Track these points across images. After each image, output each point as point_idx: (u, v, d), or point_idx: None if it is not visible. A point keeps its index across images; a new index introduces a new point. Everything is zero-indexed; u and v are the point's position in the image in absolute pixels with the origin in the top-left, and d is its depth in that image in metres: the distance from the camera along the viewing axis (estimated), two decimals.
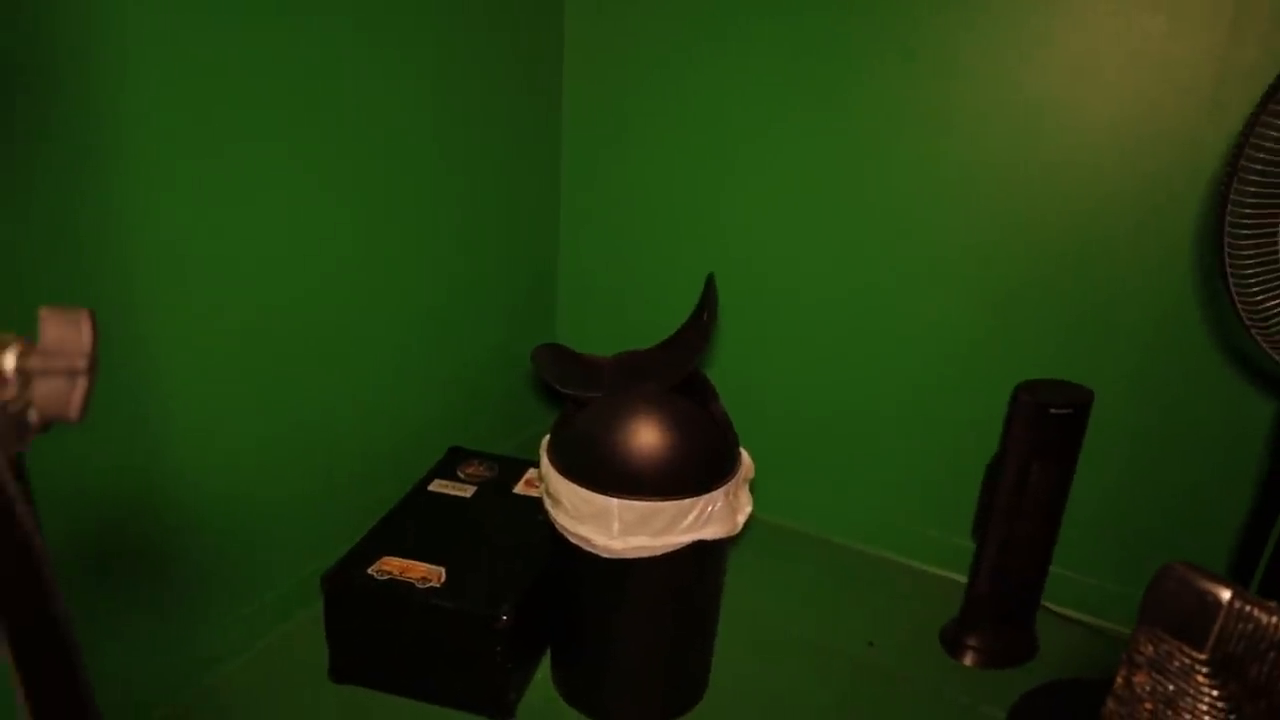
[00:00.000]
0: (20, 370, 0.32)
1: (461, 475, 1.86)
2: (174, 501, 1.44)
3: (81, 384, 0.31)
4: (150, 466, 1.38)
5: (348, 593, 1.51)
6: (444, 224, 1.94)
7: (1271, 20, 1.48)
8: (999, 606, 1.78)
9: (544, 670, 1.65)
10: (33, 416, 0.32)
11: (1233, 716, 0.56)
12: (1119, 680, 0.63)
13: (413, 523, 1.68)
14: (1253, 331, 1.26)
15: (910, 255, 1.92)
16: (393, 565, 1.54)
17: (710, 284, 1.53)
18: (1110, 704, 0.62)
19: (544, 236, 2.37)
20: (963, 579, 1.91)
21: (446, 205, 1.94)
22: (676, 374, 1.45)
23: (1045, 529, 1.72)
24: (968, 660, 1.78)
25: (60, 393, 0.32)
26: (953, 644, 1.81)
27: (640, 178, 2.23)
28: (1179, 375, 1.71)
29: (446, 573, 1.53)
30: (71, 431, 1.14)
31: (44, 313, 0.32)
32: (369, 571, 1.52)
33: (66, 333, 0.32)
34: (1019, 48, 1.71)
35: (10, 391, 0.31)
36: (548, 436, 1.52)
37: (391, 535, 1.63)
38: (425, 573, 1.53)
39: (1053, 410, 1.63)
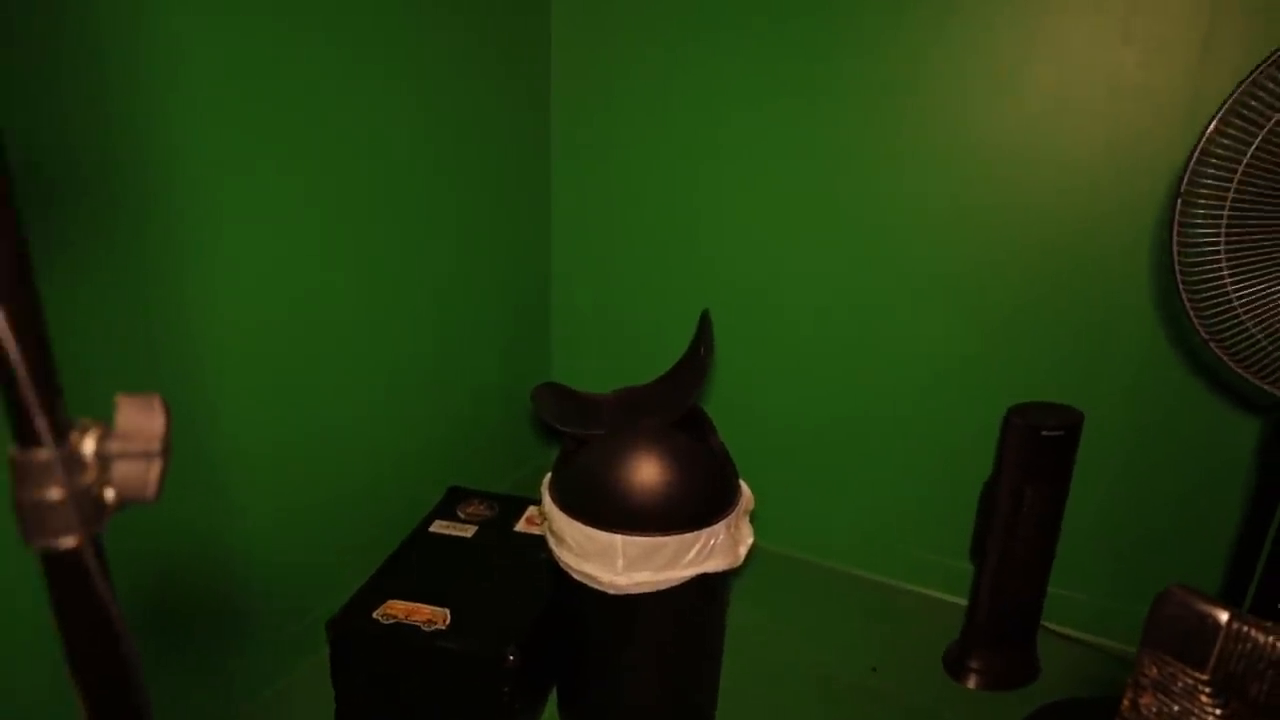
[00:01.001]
0: (99, 454, 0.34)
1: (462, 515, 1.87)
2: (180, 553, 1.44)
3: (157, 465, 0.33)
4: (161, 519, 1.38)
5: (353, 638, 1.51)
6: (437, 265, 1.97)
7: (1240, 46, 1.54)
8: (999, 628, 1.80)
9: (551, 708, 1.65)
10: (110, 497, 0.34)
11: None
12: (1126, 702, 0.66)
13: (415, 565, 1.69)
14: (1211, 346, 1.30)
15: (904, 284, 1.96)
16: (397, 609, 1.54)
17: (705, 320, 1.56)
18: None
19: (536, 274, 2.40)
20: (963, 601, 1.93)
21: (440, 246, 1.97)
22: (675, 410, 1.48)
23: (1042, 549, 1.75)
24: (970, 683, 1.79)
25: (137, 475, 0.33)
26: (955, 667, 1.82)
27: (631, 213, 2.27)
28: (1168, 395, 1.75)
29: (451, 614, 1.53)
30: None
31: (120, 399, 0.34)
32: (374, 615, 1.52)
33: (141, 417, 0.34)
34: (1001, 80, 1.76)
35: (90, 475, 0.33)
36: (549, 475, 1.53)
37: (395, 578, 1.64)
38: (430, 615, 1.53)
39: (1044, 432, 1.66)
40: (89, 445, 0.33)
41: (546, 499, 1.49)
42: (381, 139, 1.73)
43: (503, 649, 1.45)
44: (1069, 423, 1.67)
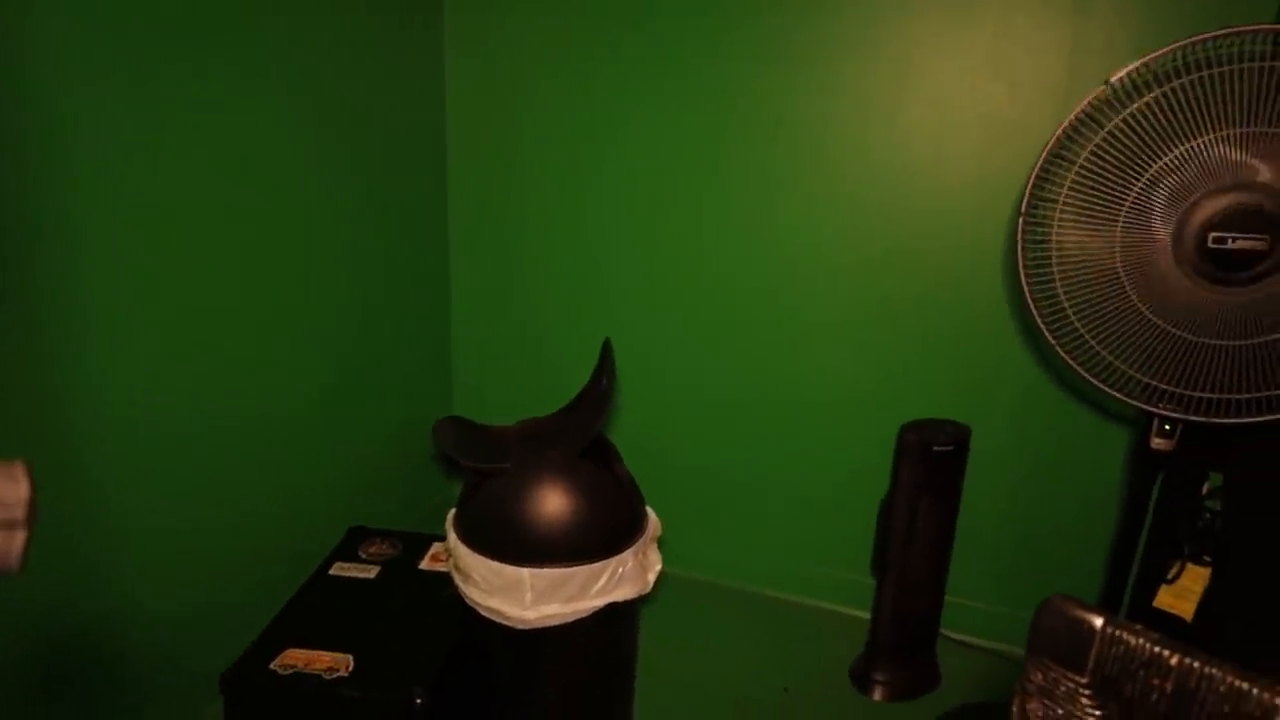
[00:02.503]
0: None
1: (363, 555, 1.81)
2: (62, 617, 1.35)
3: (20, 535, 0.31)
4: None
5: (249, 692, 1.44)
6: (334, 301, 1.92)
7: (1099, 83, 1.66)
8: (901, 639, 1.86)
9: None
10: None
11: None
12: (1014, 709, 0.69)
13: (315, 610, 1.62)
14: (1059, 352, 1.41)
15: (798, 312, 2.02)
16: (297, 658, 1.48)
17: (607, 349, 1.57)
18: None
19: (435, 310, 2.36)
20: (866, 615, 1.98)
21: (336, 282, 1.92)
22: (580, 440, 1.48)
23: (938, 560, 1.82)
24: (877, 695, 1.84)
25: None
26: (862, 680, 1.87)
27: (530, 244, 2.27)
28: (1050, 409, 1.86)
29: (354, 660, 1.48)
30: None
31: None
32: (271, 666, 1.45)
33: (2, 486, 0.31)
34: (878, 114, 1.85)
35: None
36: (453, 510, 1.50)
37: (293, 625, 1.57)
38: (331, 662, 1.47)
39: (935, 448, 1.74)
40: None
41: (451, 535, 1.46)
42: (274, 176, 1.68)
43: (409, 692, 1.41)
44: (958, 438, 1.75)
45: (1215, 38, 1.24)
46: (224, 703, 1.45)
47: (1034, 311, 1.41)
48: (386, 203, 2.07)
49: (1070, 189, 1.37)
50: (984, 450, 1.84)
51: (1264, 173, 1.22)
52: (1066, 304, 1.39)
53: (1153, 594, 1.64)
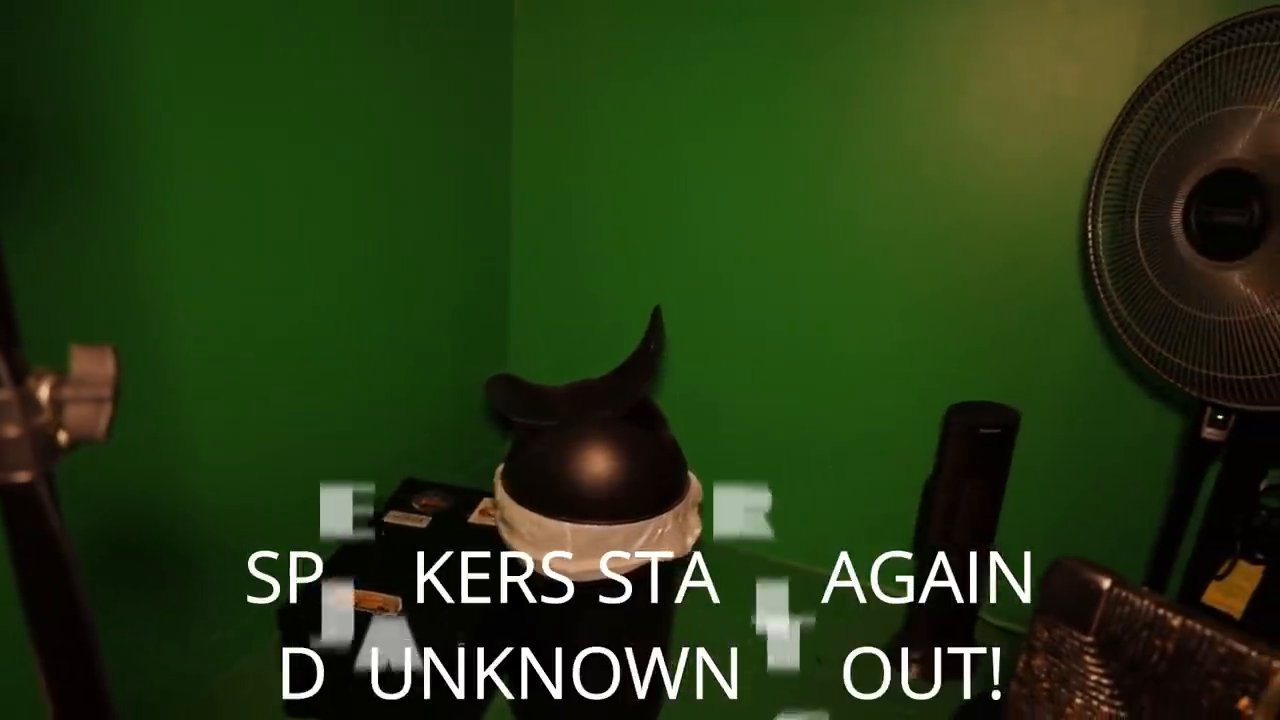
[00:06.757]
0: (54, 399, 0.37)
1: (416, 506, 1.89)
2: (141, 499, 1.45)
3: (107, 409, 0.36)
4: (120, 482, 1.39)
5: (304, 625, 1.52)
6: (400, 262, 1.99)
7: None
8: (939, 620, 1.87)
9: (501, 698, 1.68)
10: (63, 439, 0.37)
11: (1115, 690, 0.64)
12: (1020, 664, 0.71)
13: (369, 554, 1.71)
14: (1123, 337, 1.40)
15: (853, 287, 2.03)
16: (350, 596, 1.56)
17: (656, 316, 1.60)
18: (1013, 685, 0.69)
19: (495, 271, 2.43)
20: (905, 596, 1.99)
21: (402, 244, 1.99)
22: (626, 402, 1.52)
23: (979, 544, 1.81)
24: (912, 674, 1.85)
25: (89, 417, 0.36)
26: (896, 658, 1.88)
27: (588, 214, 2.31)
28: (1101, 394, 1.83)
29: (403, 602, 1.56)
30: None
31: (75, 349, 0.37)
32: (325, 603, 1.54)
33: (93, 366, 0.37)
34: (948, 92, 1.83)
35: (45, 416, 0.36)
36: (502, 465, 1.56)
37: (347, 566, 1.66)
38: (382, 602, 1.55)
39: (982, 430, 1.73)
40: (45, 390, 0.36)
41: (499, 487, 1.52)
42: (350, 140, 1.75)
43: (453, 634, 1.47)
44: (1005, 422, 1.73)
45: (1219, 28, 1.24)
46: (280, 635, 1.54)
47: (1102, 295, 1.40)
48: (455, 169, 2.13)
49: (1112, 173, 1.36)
50: (1033, 435, 1.83)
51: (1239, 147, 1.22)
52: (1113, 289, 1.38)
53: (1202, 589, 1.62)
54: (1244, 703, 0.56)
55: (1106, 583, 0.67)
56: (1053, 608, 0.69)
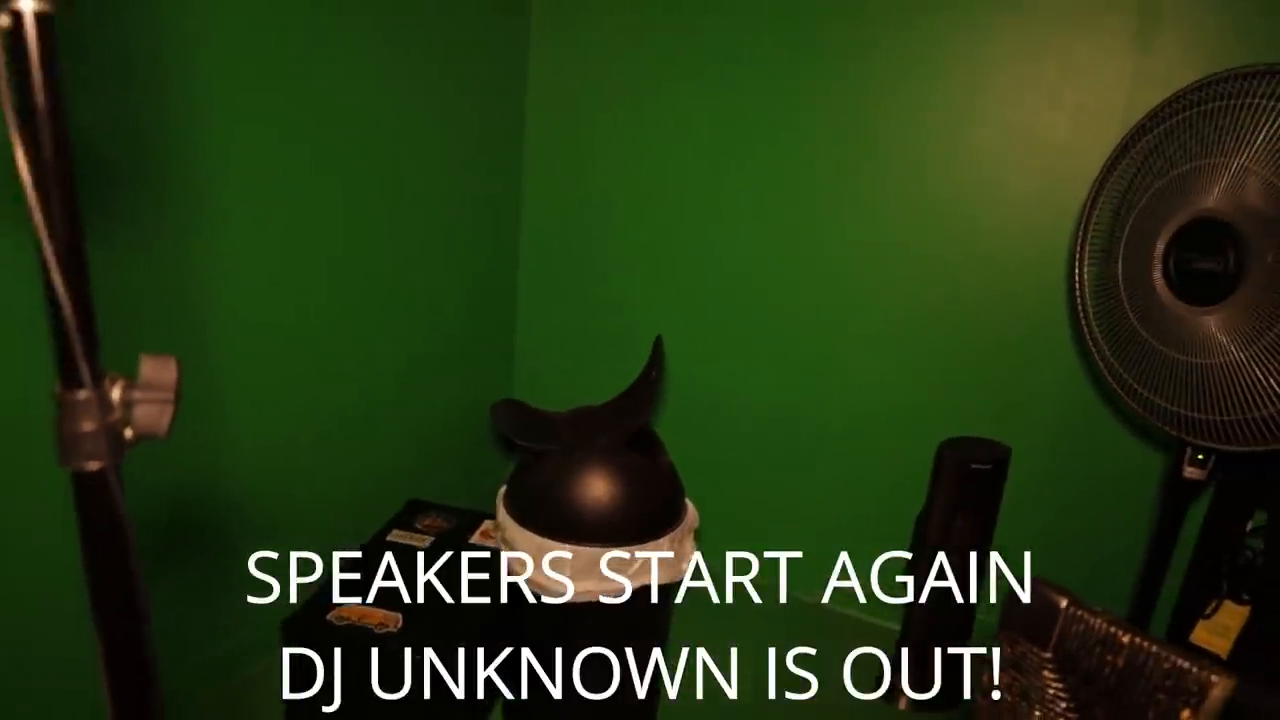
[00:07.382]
0: (124, 400, 0.42)
1: (419, 526, 1.93)
2: (191, 486, 1.51)
3: (169, 410, 0.42)
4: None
5: (307, 638, 1.56)
6: (409, 287, 2.06)
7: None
8: (930, 651, 1.90)
9: (497, 713, 1.71)
10: (129, 434, 0.42)
11: (1072, 702, 0.68)
12: (985, 678, 0.75)
13: (371, 571, 1.75)
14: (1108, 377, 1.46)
15: (849, 325, 2.09)
16: (351, 612, 1.60)
17: (658, 346, 1.66)
18: (978, 699, 0.73)
19: (503, 301, 2.49)
20: (897, 626, 2.02)
21: (412, 271, 2.06)
22: (627, 428, 1.57)
23: (970, 577, 1.85)
24: (901, 705, 1.88)
25: (153, 416, 0.42)
26: (889, 688, 1.91)
27: (595, 242, 2.38)
28: (1087, 430, 1.88)
29: (403, 619, 1.60)
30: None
31: (143, 358, 0.43)
32: (328, 617, 1.58)
33: (159, 372, 0.42)
34: (938, 135, 1.90)
35: (116, 414, 0.42)
36: (504, 486, 1.61)
37: (350, 582, 1.70)
38: (383, 618, 1.59)
39: (973, 465, 1.77)
40: (116, 392, 0.42)
41: (500, 509, 1.56)
42: (359, 165, 1.82)
43: (452, 651, 1.51)
44: (997, 457, 1.78)
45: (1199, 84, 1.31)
46: (283, 644, 1.58)
47: (1087, 335, 1.46)
48: (465, 194, 2.20)
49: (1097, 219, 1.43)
50: (1023, 471, 1.87)
51: (1215, 196, 1.28)
52: (1097, 330, 1.44)
53: (1190, 628, 1.65)
54: (1186, 714, 0.60)
55: (1064, 602, 0.71)
56: (1015, 624, 0.74)
